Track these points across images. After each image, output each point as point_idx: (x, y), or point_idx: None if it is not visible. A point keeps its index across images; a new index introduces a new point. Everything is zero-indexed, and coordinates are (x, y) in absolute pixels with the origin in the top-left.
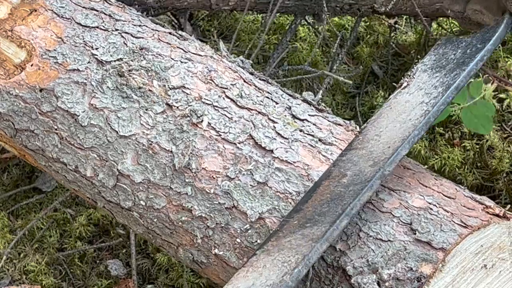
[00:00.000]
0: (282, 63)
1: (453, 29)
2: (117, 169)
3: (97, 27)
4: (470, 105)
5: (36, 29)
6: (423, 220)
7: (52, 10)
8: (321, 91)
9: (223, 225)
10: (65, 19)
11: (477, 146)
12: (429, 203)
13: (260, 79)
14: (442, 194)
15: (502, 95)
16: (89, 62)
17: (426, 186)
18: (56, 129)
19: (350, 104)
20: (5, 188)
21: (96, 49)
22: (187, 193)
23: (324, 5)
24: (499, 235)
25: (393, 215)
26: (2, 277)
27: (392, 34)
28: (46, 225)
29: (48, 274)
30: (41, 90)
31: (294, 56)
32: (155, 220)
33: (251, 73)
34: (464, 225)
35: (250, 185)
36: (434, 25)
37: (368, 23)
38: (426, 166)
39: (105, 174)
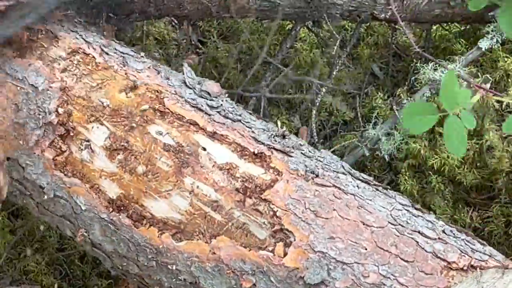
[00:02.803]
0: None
1: (453, 31)
2: (89, 238)
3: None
4: (453, 116)
5: None
6: None
7: (5, 71)
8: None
9: None
10: (18, 80)
11: (477, 146)
12: (383, 276)
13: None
14: (399, 257)
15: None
16: (45, 131)
17: (383, 249)
18: (30, 195)
19: (350, 105)
20: None
21: (49, 113)
22: (153, 267)
23: (330, 28)
24: None
25: None
26: (2, 277)
27: (392, 35)
28: (46, 225)
29: (48, 274)
30: (8, 159)
31: (294, 57)
32: (135, 279)
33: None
34: None
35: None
36: (434, 26)
37: (368, 24)
38: (425, 166)
39: (82, 239)
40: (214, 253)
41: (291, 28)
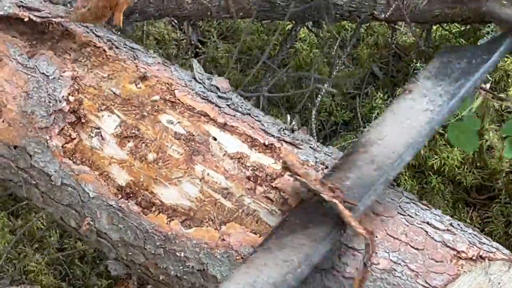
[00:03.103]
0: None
1: (453, 30)
2: (95, 227)
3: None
4: (456, 121)
5: (2, 82)
6: (386, 287)
7: (16, 60)
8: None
9: (197, 285)
10: (29, 68)
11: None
12: (394, 262)
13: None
14: (409, 245)
15: (502, 95)
16: (55, 118)
17: (394, 237)
18: (35, 184)
19: (350, 105)
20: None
21: (59, 101)
22: (160, 254)
23: (330, 28)
24: (473, 279)
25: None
26: (2, 277)
27: (392, 35)
28: (46, 225)
29: (48, 274)
30: (15, 147)
31: (294, 57)
32: (139, 271)
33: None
34: (428, 286)
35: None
36: (434, 26)
37: (368, 24)
38: (425, 166)
39: (87, 228)
40: (223, 239)
41: (291, 28)
